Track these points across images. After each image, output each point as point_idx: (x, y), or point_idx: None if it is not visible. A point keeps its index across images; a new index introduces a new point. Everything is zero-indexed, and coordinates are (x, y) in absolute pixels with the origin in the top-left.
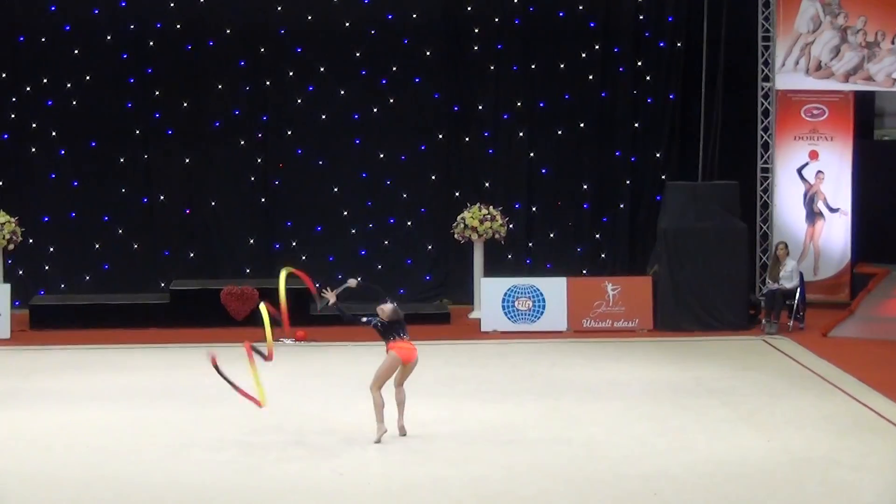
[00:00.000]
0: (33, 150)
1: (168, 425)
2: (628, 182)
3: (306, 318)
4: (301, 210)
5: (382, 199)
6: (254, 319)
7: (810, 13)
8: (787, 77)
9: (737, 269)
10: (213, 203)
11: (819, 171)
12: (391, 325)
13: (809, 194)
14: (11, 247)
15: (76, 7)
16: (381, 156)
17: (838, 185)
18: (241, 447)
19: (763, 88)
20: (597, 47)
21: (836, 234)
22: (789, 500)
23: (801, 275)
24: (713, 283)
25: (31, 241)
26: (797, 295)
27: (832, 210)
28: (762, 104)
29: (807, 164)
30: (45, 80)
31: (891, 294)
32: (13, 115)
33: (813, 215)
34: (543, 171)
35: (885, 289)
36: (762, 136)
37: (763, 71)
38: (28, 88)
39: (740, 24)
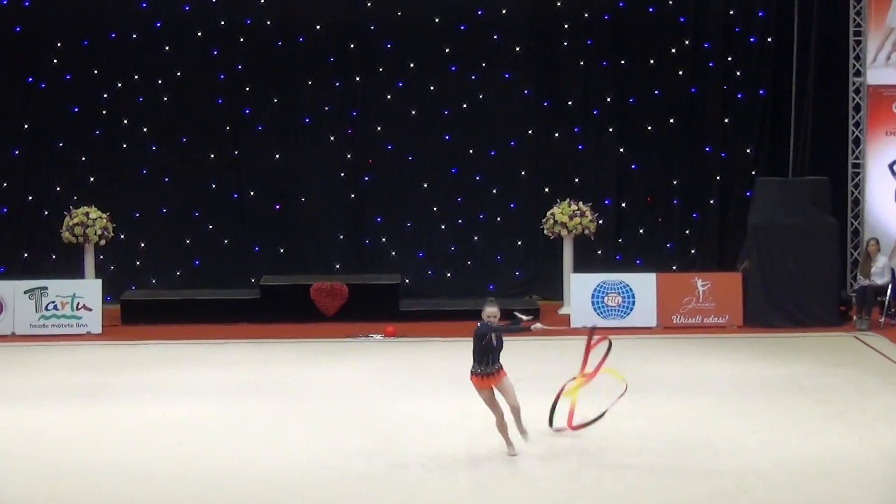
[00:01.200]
0: (125, 146)
1: (259, 420)
2: (718, 178)
3: (396, 315)
4: (390, 206)
5: (472, 195)
6: (343, 315)
7: None
8: (879, 72)
9: (827, 266)
10: (302, 199)
11: None
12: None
13: None
14: (103, 242)
15: (167, 4)
16: (471, 151)
17: None
18: (331, 443)
19: (854, 83)
20: (686, 42)
21: None
22: (881, 499)
23: (893, 271)
24: (804, 279)
25: (122, 236)
26: (889, 291)
27: None
28: (853, 99)
29: None
30: (136, 77)
31: None
32: (104, 112)
33: None
34: (633, 166)
35: None
36: (853, 132)
37: (854, 66)
38: (119, 85)
39: (831, 19)
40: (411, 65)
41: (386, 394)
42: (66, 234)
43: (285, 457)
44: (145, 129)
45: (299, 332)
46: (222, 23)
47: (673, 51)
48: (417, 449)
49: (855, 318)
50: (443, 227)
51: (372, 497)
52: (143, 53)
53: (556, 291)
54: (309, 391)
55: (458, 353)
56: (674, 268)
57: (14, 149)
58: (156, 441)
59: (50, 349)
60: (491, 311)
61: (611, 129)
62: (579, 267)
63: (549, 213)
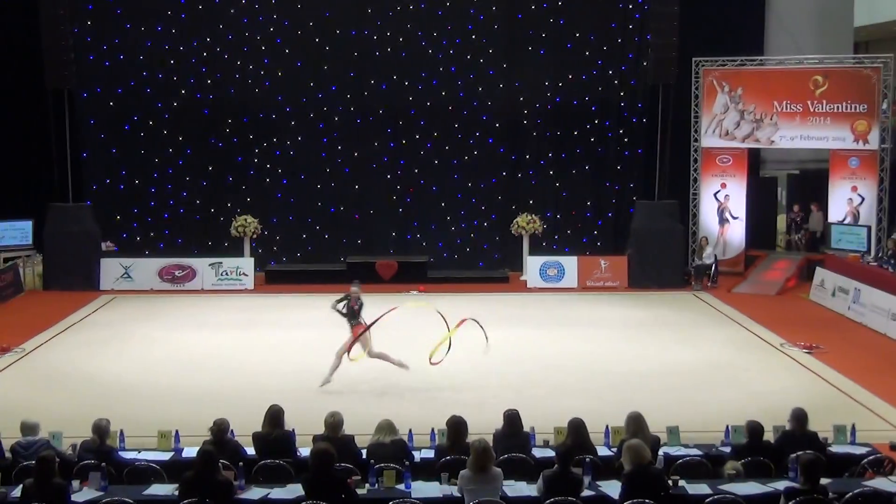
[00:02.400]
0: (268, 180)
1: (328, 344)
2: (614, 200)
3: (425, 279)
4: (424, 214)
5: (470, 210)
6: (395, 279)
7: (722, 101)
8: (709, 139)
9: (677, 252)
10: (365, 198)
11: (726, 195)
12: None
13: (720, 208)
14: (255, 235)
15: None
16: (470, 184)
17: (737, 203)
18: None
19: (694, 146)
20: (596, 121)
21: (736, 232)
22: (706, 388)
23: (716, 256)
24: (663, 260)
25: (265, 232)
26: (713, 268)
27: (734, 218)
28: (693, 155)
29: (719, 190)
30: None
31: (768, 267)
32: (256, 160)
33: (723, 221)
34: (563, 193)
35: (764, 264)
36: (693, 174)
37: (694, 136)
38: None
39: (681, 107)
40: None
41: (421, 327)
42: (233, 231)
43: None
44: (280, 170)
45: (370, 290)
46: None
47: (588, 126)
48: (450, 368)
49: (693, 283)
50: (453, 228)
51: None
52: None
53: (518, 266)
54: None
55: (462, 303)
56: (587, 253)
57: (202, 180)
58: (282, 356)
59: (222, 299)
60: (354, 291)
61: (551, 172)
62: (533, 252)
63: (515, 220)
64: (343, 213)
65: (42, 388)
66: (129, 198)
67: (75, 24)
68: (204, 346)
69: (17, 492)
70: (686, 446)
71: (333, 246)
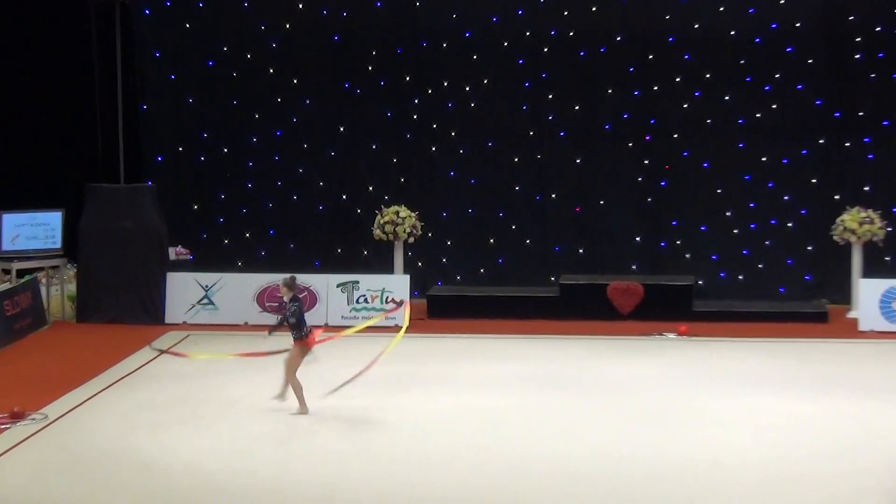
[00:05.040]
0: (434, 149)
1: (554, 411)
2: None
3: (688, 315)
4: (686, 210)
5: (765, 201)
6: (638, 313)
7: None
8: None
9: None
10: (601, 202)
11: None
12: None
13: None
14: (412, 240)
15: (477, 15)
16: (764, 159)
17: None
18: (622, 434)
19: None
20: None
21: None
22: None
23: None
24: None
25: (430, 234)
26: None
27: None
28: None
29: None
30: (445, 83)
31: None
32: (415, 116)
33: None
34: None
35: None
36: None
37: None
38: (429, 91)
39: None
40: (707, 75)
41: (677, 389)
42: (377, 232)
43: (577, 446)
44: (453, 133)
45: (595, 329)
46: (528, 33)
47: None
48: (707, 442)
49: None
50: (735, 231)
51: (659, 488)
52: (452, 61)
53: (844, 295)
54: (603, 385)
55: (748, 352)
56: None
57: (331, 150)
58: (457, 429)
59: (361, 340)
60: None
61: None
62: (867, 273)
63: (838, 220)
64: (554, 202)
65: (71, 477)
66: (213, 176)
67: None
68: (330, 420)
69: None
70: None
71: (538, 258)
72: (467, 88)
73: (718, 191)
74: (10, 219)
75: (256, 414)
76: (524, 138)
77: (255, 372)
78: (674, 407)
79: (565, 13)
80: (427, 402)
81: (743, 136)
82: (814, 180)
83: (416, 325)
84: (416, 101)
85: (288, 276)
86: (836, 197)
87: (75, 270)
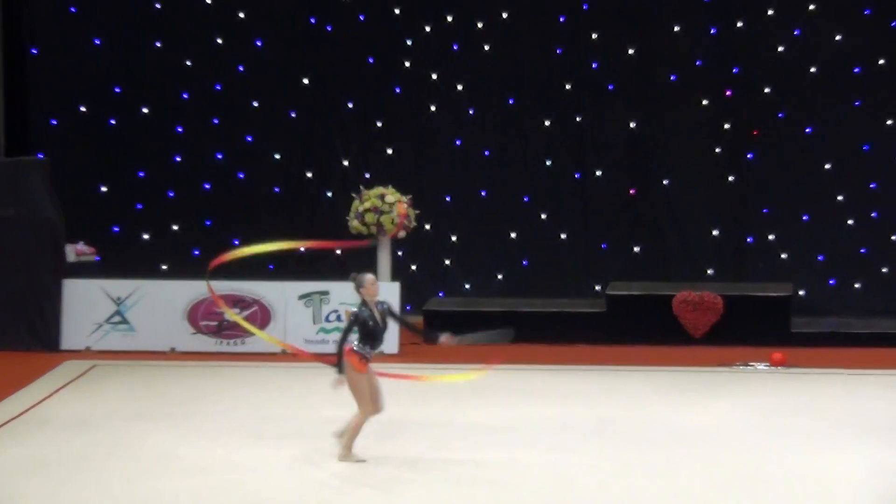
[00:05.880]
0: (433, 108)
1: (601, 472)
2: None
3: (785, 338)
4: (782, 193)
5: (891, 180)
6: (717, 336)
7: None
8: None
9: None
10: (664, 182)
11: None
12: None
13: None
14: (402, 234)
15: None
16: (890, 122)
17: None
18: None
19: None
20: None
21: None
22: None
23: None
24: None
25: (427, 227)
26: None
27: None
28: None
29: None
30: (448, 18)
31: None
32: (407, 63)
33: None
34: None
35: None
36: None
37: None
38: (427, 28)
39: None
40: (810, 6)
41: (773, 442)
42: (354, 223)
43: None
44: (460, 87)
45: (657, 358)
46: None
47: None
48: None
49: None
50: (850, 221)
51: None
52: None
53: None
54: (668, 436)
55: (869, 389)
56: None
57: (290, 110)
58: (464, 498)
59: (327, 373)
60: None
61: None
62: None
63: None
64: (599, 181)
65: None
66: (127, 147)
67: None
68: (274, 470)
69: None
70: None
71: (578, 258)
72: (479, 25)
73: (826, 166)
74: None
75: (198, 474)
76: (558, 94)
77: (194, 423)
78: (768, 467)
79: None
80: (427, 457)
81: (861, 91)
82: None
83: (409, 351)
84: (409, 43)
85: (353, 274)
86: None
87: None
